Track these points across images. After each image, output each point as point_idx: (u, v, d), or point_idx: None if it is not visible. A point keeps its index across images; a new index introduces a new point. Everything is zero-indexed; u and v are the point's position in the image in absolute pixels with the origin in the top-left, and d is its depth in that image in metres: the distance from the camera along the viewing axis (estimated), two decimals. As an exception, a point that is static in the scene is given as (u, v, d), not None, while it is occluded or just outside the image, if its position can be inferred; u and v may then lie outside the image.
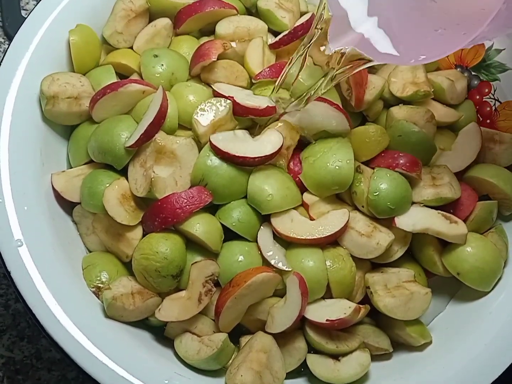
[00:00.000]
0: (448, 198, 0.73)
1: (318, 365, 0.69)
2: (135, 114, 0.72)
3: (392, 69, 0.82)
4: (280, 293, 0.68)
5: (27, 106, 0.72)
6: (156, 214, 0.67)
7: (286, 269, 0.67)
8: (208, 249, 0.68)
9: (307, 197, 0.72)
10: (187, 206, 0.67)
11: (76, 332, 0.62)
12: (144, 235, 0.69)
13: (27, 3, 0.97)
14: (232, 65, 0.78)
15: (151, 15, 0.83)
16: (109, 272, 0.69)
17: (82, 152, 0.73)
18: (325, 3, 0.64)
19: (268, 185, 0.69)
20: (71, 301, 0.64)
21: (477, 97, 0.86)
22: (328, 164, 0.71)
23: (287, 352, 0.68)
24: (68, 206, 0.73)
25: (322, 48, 0.68)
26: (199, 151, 0.70)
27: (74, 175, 0.73)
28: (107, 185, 0.69)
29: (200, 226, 0.67)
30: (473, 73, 0.87)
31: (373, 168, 0.73)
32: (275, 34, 0.84)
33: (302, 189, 0.73)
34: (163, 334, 0.69)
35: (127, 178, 0.70)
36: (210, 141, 0.69)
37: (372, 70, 0.83)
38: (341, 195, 0.74)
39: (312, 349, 0.70)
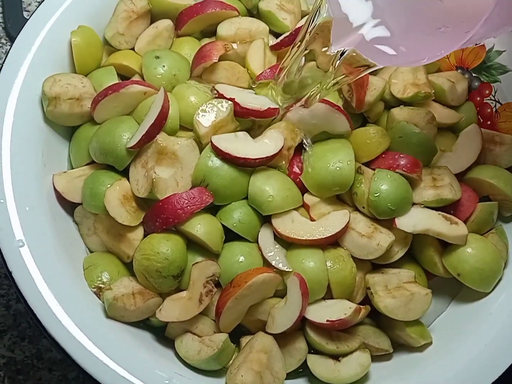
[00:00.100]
0: (449, 199, 0.73)
1: (319, 365, 0.69)
2: (137, 115, 0.73)
3: (393, 70, 0.82)
4: (281, 294, 0.68)
5: (29, 107, 0.72)
6: (157, 214, 0.67)
7: (287, 270, 0.68)
8: (209, 250, 0.68)
9: (308, 198, 0.72)
10: (188, 207, 0.67)
11: (77, 332, 0.62)
12: (145, 236, 0.69)
13: (29, 4, 0.97)
14: (234, 66, 0.78)
15: (153, 17, 0.83)
16: (110, 272, 0.69)
17: (84, 153, 0.74)
18: (320, 6, 0.65)
19: (269, 186, 0.70)
20: (72, 301, 0.64)
21: (478, 98, 0.87)
22: (329, 165, 0.71)
23: (288, 352, 0.68)
24: (69, 206, 0.73)
25: (324, 49, 0.68)
26: (200, 152, 0.70)
27: (76, 176, 0.73)
28: (109, 186, 0.69)
29: (201, 227, 0.67)
30: (473, 74, 0.87)
31: (373, 169, 0.74)
32: (276, 35, 0.84)
33: (303, 190, 0.73)
34: (163, 334, 0.69)
35: (128, 179, 0.70)
36: (211, 142, 0.69)
37: (373, 71, 0.83)
38: (342, 196, 0.74)
39: (313, 349, 0.70)
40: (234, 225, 0.69)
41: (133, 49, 0.81)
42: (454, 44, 0.55)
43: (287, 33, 0.80)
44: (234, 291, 0.65)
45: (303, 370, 0.70)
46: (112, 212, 0.67)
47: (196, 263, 0.67)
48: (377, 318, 0.73)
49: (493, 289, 0.74)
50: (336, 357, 0.69)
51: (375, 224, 0.72)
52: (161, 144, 0.69)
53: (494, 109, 0.85)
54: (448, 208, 0.74)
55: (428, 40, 0.58)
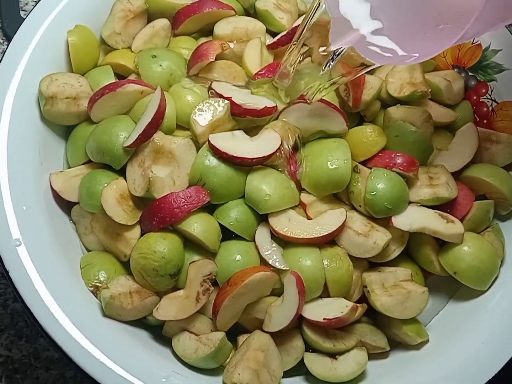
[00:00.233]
0: (445, 198, 0.74)
1: (315, 363, 0.69)
2: (134, 114, 0.73)
3: (390, 69, 0.83)
4: (278, 292, 0.69)
5: (26, 106, 0.72)
6: (154, 213, 0.68)
7: (284, 268, 0.68)
8: (206, 249, 0.69)
9: (305, 197, 0.73)
10: (185, 206, 0.67)
11: (74, 331, 0.62)
12: (142, 235, 0.69)
13: (26, 4, 0.97)
14: (230, 65, 0.78)
15: (150, 16, 0.83)
16: (107, 271, 0.69)
17: (81, 152, 0.74)
18: (318, 6, 0.65)
19: (266, 185, 0.70)
20: (69, 300, 0.64)
21: (474, 97, 0.87)
22: (325, 164, 0.71)
23: (285, 350, 0.69)
24: (66, 205, 0.73)
25: (322, 48, 0.69)
26: (197, 151, 0.70)
27: (73, 175, 0.73)
28: (105, 185, 0.69)
29: (198, 226, 0.68)
30: (470, 73, 0.87)
31: (370, 168, 0.74)
32: (273, 34, 0.84)
33: (300, 189, 0.73)
34: (161, 333, 0.70)
35: (125, 178, 0.70)
36: (208, 141, 0.69)
37: (370, 70, 0.83)
38: (339, 195, 0.74)
39: (310, 347, 0.70)
40: (231, 224, 0.69)
41: (130, 48, 0.81)
42: (450, 40, 0.55)
43: (284, 32, 0.81)
44: (231, 290, 0.65)
45: (300, 368, 0.70)
46: (109, 211, 0.67)
47: (193, 262, 0.67)
48: (374, 316, 0.74)
49: (489, 287, 0.74)
50: (333, 355, 0.69)
51: (371, 223, 0.72)
52: (158, 143, 0.69)
53: (490, 108, 0.85)
54: (444, 206, 0.74)
55: (426, 37, 0.58)
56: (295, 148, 0.74)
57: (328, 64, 0.67)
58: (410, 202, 0.73)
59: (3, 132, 0.69)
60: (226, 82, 0.76)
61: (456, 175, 0.77)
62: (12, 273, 0.63)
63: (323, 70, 0.68)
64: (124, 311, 0.66)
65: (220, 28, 0.81)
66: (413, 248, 0.76)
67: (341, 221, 0.70)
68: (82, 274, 0.69)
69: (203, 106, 0.71)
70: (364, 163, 0.75)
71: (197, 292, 0.66)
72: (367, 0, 0.62)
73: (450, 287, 0.77)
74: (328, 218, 0.71)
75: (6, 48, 0.73)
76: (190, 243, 0.69)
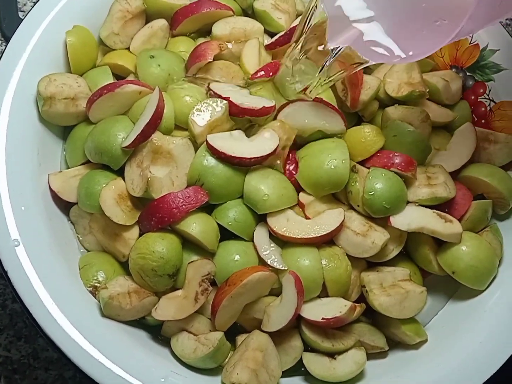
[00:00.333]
0: (443, 198, 0.74)
1: (314, 363, 0.69)
2: (132, 114, 0.73)
3: (388, 69, 0.83)
4: (276, 292, 0.69)
5: (24, 107, 0.72)
6: (153, 213, 0.68)
7: (282, 268, 0.68)
8: (205, 249, 0.69)
9: (303, 197, 0.73)
10: (184, 206, 0.67)
11: (73, 331, 0.62)
12: (140, 235, 0.69)
13: (25, 5, 0.97)
14: (228, 65, 0.78)
15: (148, 16, 0.83)
16: (105, 271, 0.69)
17: (79, 153, 0.74)
18: (315, 6, 0.65)
19: (264, 185, 0.70)
20: (68, 300, 0.65)
21: (472, 97, 0.87)
22: (323, 164, 0.71)
23: (283, 350, 0.69)
24: (65, 206, 0.73)
25: (320, 47, 0.69)
26: (196, 151, 0.70)
27: (71, 176, 0.73)
28: (104, 185, 0.69)
29: (197, 226, 0.68)
30: (468, 73, 0.87)
31: (368, 168, 0.74)
32: (271, 35, 0.84)
33: (298, 188, 0.73)
34: (159, 333, 0.70)
35: (123, 178, 0.70)
36: (206, 141, 0.69)
37: (368, 70, 0.83)
38: (337, 195, 0.74)
39: (308, 347, 0.71)
40: (230, 224, 0.69)
41: (128, 49, 0.81)
42: (447, 37, 0.55)
43: (282, 33, 0.81)
44: (229, 290, 0.65)
45: (299, 368, 0.70)
46: (108, 212, 0.67)
47: (192, 262, 0.67)
48: (372, 316, 0.74)
49: (487, 287, 0.74)
50: (331, 355, 0.70)
51: (370, 223, 0.72)
52: (156, 144, 0.69)
53: (488, 108, 0.86)
54: (442, 206, 0.75)
55: (422, 34, 0.58)
56: (293, 148, 0.74)
57: (325, 63, 0.67)
58: (408, 202, 0.73)
59: (2, 132, 0.69)
60: (224, 82, 0.76)
61: (454, 175, 0.78)
62: (10, 274, 0.63)
63: (321, 69, 0.68)
64: (122, 311, 0.66)
65: (218, 29, 0.81)
66: (411, 247, 0.76)
67: (340, 221, 0.70)
68: (81, 274, 0.69)
69: (201, 106, 0.71)
70: (362, 163, 0.75)
71: (196, 292, 0.66)
72: None
73: (449, 287, 0.77)
74: (327, 218, 0.71)
75: (4, 49, 0.73)
76: (189, 243, 0.69)
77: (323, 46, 0.68)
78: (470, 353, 0.69)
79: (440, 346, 0.72)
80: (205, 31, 0.84)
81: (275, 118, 0.74)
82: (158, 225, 0.68)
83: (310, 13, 0.68)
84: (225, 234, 0.70)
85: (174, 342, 0.68)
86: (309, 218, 0.72)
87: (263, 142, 0.71)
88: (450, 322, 0.75)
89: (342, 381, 0.68)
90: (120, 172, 0.71)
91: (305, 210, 0.72)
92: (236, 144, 0.70)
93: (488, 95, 0.86)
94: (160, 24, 0.82)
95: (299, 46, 0.71)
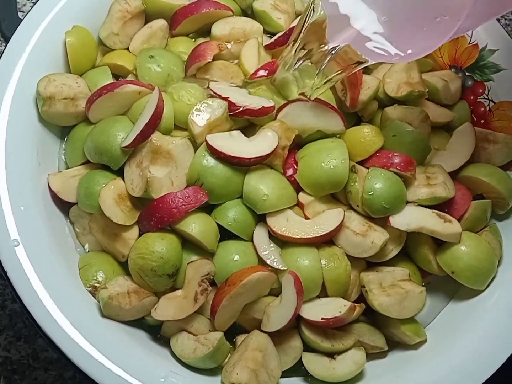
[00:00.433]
0: (443, 198, 0.74)
1: (314, 363, 0.69)
2: (131, 114, 0.73)
3: (387, 69, 0.83)
4: (276, 292, 0.69)
5: (24, 107, 0.72)
6: (152, 213, 0.68)
7: (282, 268, 0.68)
8: (204, 249, 0.69)
9: (303, 197, 0.73)
10: (183, 206, 0.67)
11: (73, 331, 0.62)
12: (140, 235, 0.69)
13: (24, 5, 0.97)
14: (228, 65, 0.78)
15: (147, 17, 0.83)
16: (105, 271, 0.69)
17: (79, 153, 0.74)
18: (314, 5, 0.65)
19: (264, 185, 0.70)
20: (67, 300, 0.65)
21: (471, 97, 0.87)
22: (323, 164, 0.71)
23: (283, 350, 0.69)
24: (64, 206, 0.73)
25: (320, 46, 0.69)
26: (195, 151, 0.70)
27: (71, 176, 0.73)
28: (104, 185, 0.69)
29: (196, 226, 0.68)
30: (467, 73, 0.88)
31: (367, 168, 0.74)
32: (271, 35, 0.84)
33: (298, 188, 0.73)
34: (159, 333, 0.70)
35: (123, 178, 0.70)
36: (206, 141, 0.69)
37: (367, 70, 0.83)
38: (336, 195, 0.74)
39: (308, 347, 0.71)
40: (229, 224, 0.69)
41: (127, 49, 0.81)
42: (446, 34, 0.55)
43: (281, 33, 0.81)
44: (229, 290, 0.65)
45: (298, 368, 0.70)
46: (107, 212, 0.67)
47: (191, 262, 0.67)
48: (372, 316, 0.74)
49: (487, 287, 0.74)
50: (331, 355, 0.70)
51: (369, 223, 0.72)
52: (156, 144, 0.69)
53: (487, 108, 0.86)
54: (442, 206, 0.75)
55: (422, 32, 0.58)
56: (293, 148, 0.74)
57: (324, 62, 0.67)
58: (407, 202, 0.73)
59: (1, 132, 0.69)
60: (223, 82, 0.76)
61: (454, 175, 0.78)
62: (10, 274, 0.63)
63: (319, 69, 0.68)
64: (122, 311, 0.66)
65: (218, 29, 0.81)
66: (410, 247, 0.76)
67: (339, 221, 0.70)
68: (80, 274, 0.69)
69: (201, 106, 0.71)
70: (361, 163, 0.75)
71: (195, 292, 0.66)
72: None
73: (450, 288, 0.77)
74: (326, 218, 0.71)
75: (4, 49, 0.73)
76: (188, 243, 0.69)
77: (322, 45, 0.68)
78: (470, 353, 0.69)
79: (439, 346, 0.72)
80: (205, 31, 0.84)
81: (274, 118, 0.74)
82: (157, 225, 0.68)
83: (309, 13, 0.68)
84: (225, 234, 0.70)
85: (174, 342, 0.68)
86: (308, 218, 0.72)
87: (263, 142, 0.71)
88: (449, 322, 0.75)
89: (341, 381, 0.68)
90: (120, 172, 0.71)
91: (304, 210, 0.72)
92: (235, 144, 0.70)
93: (487, 95, 0.86)
94: (160, 24, 0.82)
95: (297, 46, 0.71)
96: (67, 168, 0.76)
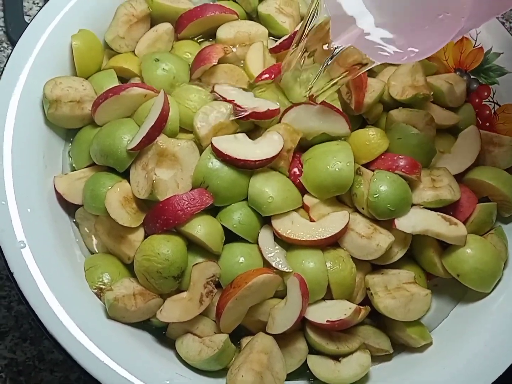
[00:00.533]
0: (448, 200, 0.74)
1: (319, 366, 0.69)
2: (137, 117, 0.73)
3: (392, 72, 0.83)
4: (281, 294, 0.69)
5: (30, 110, 0.73)
6: (158, 216, 0.68)
7: (287, 270, 0.68)
8: (209, 251, 0.69)
9: (308, 199, 0.73)
10: (188, 208, 0.68)
11: (79, 333, 0.62)
12: (145, 237, 0.69)
13: (30, 9, 0.98)
14: (233, 69, 0.78)
15: (153, 20, 0.84)
16: (111, 273, 0.70)
17: (85, 155, 0.74)
18: (317, 6, 0.65)
19: (269, 188, 0.70)
20: (73, 302, 0.65)
21: (477, 100, 0.87)
22: (328, 167, 0.71)
23: (288, 353, 0.69)
24: (70, 208, 0.74)
25: (324, 47, 0.69)
26: (200, 154, 0.71)
27: (77, 178, 0.73)
28: (109, 187, 0.69)
29: (201, 228, 0.68)
30: (472, 76, 0.88)
31: (373, 171, 0.74)
32: (276, 38, 0.84)
33: (303, 191, 0.73)
34: (164, 335, 0.70)
35: (129, 181, 0.71)
36: (211, 144, 0.69)
37: (372, 73, 0.84)
38: (341, 197, 0.74)
39: (313, 350, 0.70)
40: (234, 226, 0.69)
41: (133, 52, 0.82)
42: (450, 32, 0.55)
43: (286, 36, 0.81)
44: (234, 292, 0.65)
45: (304, 370, 0.70)
46: (113, 214, 0.67)
47: (197, 264, 0.67)
48: (377, 319, 0.74)
49: (492, 290, 0.74)
50: (336, 357, 0.69)
51: (374, 225, 0.72)
52: (162, 146, 0.69)
53: (492, 111, 0.86)
54: (447, 209, 0.74)
55: (425, 31, 0.58)
56: (298, 151, 0.75)
57: (326, 63, 0.67)
58: (413, 205, 0.73)
59: (8, 135, 0.70)
60: (228, 85, 0.77)
61: (459, 178, 0.78)
62: (16, 275, 0.64)
63: (321, 68, 0.68)
64: (128, 313, 0.67)
65: (223, 32, 0.82)
66: (416, 250, 0.76)
67: (344, 223, 0.70)
68: (86, 276, 0.69)
69: (206, 109, 0.72)
70: (366, 165, 0.75)
71: (201, 294, 0.66)
72: None
73: (458, 291, 0.77)
74: (331, 221, 0.71)
75: (11, 53, 0.74)
76: (194, 245, 0.70)
77: (327, 45, 0.68)
78: (476, 356, 0.69)
79: (445, 349, 0.72)
80: (210, 35, 0.85)
81: (279, 121, 0.74)
82: (163, 227, 0.68)
83: (312, 15, 0.68)
84: (230, 236, 0.70)
85: (179, 344, 0.68)
86: (313, 221, 0.72)
87: (268, 145, 0.71)
88: (455, 325, 0.75)
89: (347, 383, 0.68)
90: (126, 175, 0.71)
91: (309, 212, 0.72)
92: (240, 146, 0.71)
93: (492, 98, 0.86)
94: (165, 27, 0.82)
95: (301, 48, 0.71)
96: (73, 170, 0.76)
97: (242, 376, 0.64)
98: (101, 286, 0.69)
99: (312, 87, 0.72)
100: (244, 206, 0.71)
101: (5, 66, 0.73)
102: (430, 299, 0.72)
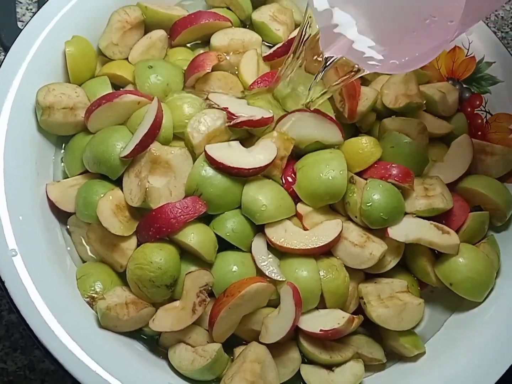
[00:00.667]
0: (441, 209, 0.74)
1: (312, 375, 0.69)
2: (130, 124, 0.73)
3: (385, 81, 0.83)
4: (274, 303, 0.68)
5: (23, 116, 0.72)
6: (151, 224, 0.67)
7: (280, 279, 0.68)
8: (202, 259, 0.68)
9: (301, 208, 0.73)
10: (182, 216, 0.67)
11: (70, 342, 0.62)
12: (138, 245, 0.69)
13: (24, 15, 0.98)
14: (227, 76, 0.79)
15: (147, 27, 0.84)
16: (103, 282, 0.69)
17: (77, 162, 0.74)
18: (309, 20, 0.66)
19: (262, 196, 0.70)
20: (65, 311, 0.64)
21: (469, 109, 0.88)
22: (321, 175, 0.71)
23: (281, 362, 0.68)
24: (62, 216, 0.73)
25: (317, 57, 0.69)
26: (194, 161, 0.70)
27: (69, 185, 0.73)
28: (102, 195, 0.69)
29: (195, 236, 0.68)
30: (464, 85, 0.88)
31: (366, 179, 0.74)
32: (270, 46, 0.85)
33: (296, 199, 0.73)
34: (157, 344, 0.69)
35: (121, 188, 0.70)
36: (205, 152, 0.69)
37: (365, 82, 0.84)
38: (335, 206, 0.74)
39: (306, 359, 0.70)
40: (228, 234, 0.69)
41: (127, 59, 0.82)
42: (438, 39, 0.55)
43: (280, 44, 0.81)
44: (227, 301, 0.65)
45: (297, 380, 0.70)
46: (105, 222, 0.67)
47: (190, 272, 0.67)
48: (370, 328, 0.74)
49: (485, 299, 0.74)
50: (329, 367, 0.69)
51: (367, 234, 0.72)
52: (155, 154, 0.69)
53: (484, 120, 0.86)
54: (440, 217, 0.75)
55: (414, 38, 0.58)
56: (291, 159, 0.75)
57: (320, 72, 0.68)
58: (405, 213, 0.74)
59: (0, 142, 0.69)
60: (222, 93, 0.77)
61: (451, 187, 0.78)
62: (7, 284, 0.63)
63: (315, 78, 0.69)
64: (120, 322, 0.66)
65: (217, 39, 0.82)
66: (409, 259, 0.76)
67: (337, 232, 0.70)
68: (78, 285, 0.69)
69: (200, 116, 0.72)
70: (360, 174, 0.75)
71: (194, 303, 0.66)
72: (352, 5, 0.62)
73: (453, 300, 0.76)
74: (324, 229, 0.71)
75: (4, 59, 0.73)
76: (187, 254, 0.69)
77: (319, 56, 0.68)
78: (468, 366, 0.69)
79: (437, 358, 0.72)
80: (204, 42, 0.85)
81: (273, 129, 0.74)
82: (156, 236, 0.67)
83: (306, 25, 0.68)
84: (223, 245, 0.70)
85: (172, 353, 0.67)
86: (307, 229, 0.72)
87: (261, 153, 0.71)
88: (447, 334, 0.75)
89: (340, 393, 0.68)
90: (118, 182, 0.71)
91: (303, 221, 0.72)
92: (234, 154, 0.70)
93: (484, 107, 0.86)
94: (159, 34, 0.82)
95: (297, 58, 0.71)
96: (64, 177, 0.76)
97: (235, 385, 0.64)
98: (93, 295, 0.68)
99: (307, 96, 0.72)
100: (237, 214, 0.70)
101: (-3, 72, 0.72)
102: (423, 308, 0.72)
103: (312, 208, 0.73)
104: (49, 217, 0.72)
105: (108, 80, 0.78)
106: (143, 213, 0.70)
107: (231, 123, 0.72)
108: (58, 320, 0.62)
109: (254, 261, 0.69)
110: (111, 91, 0.76)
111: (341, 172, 0.72)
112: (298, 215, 0.73)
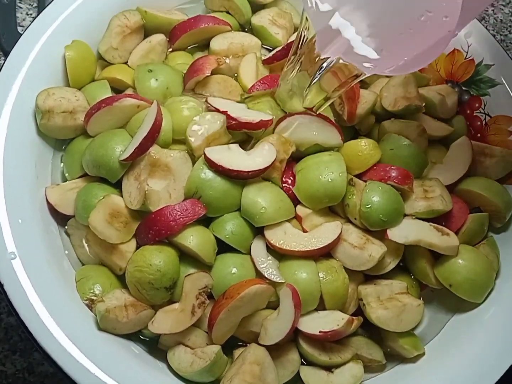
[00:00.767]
0: (440, 211, 0.74)
1: (312, 377, 0.69)
2: (130, 128, 0.73)
3: (384, 83, 0.83)
4: (273, 305, 0.68)
5: (23, 120, 0.72)
6: (150, 226, 0.68)
7: (279, 281, 0.68)
8: (202, 262, 0.69)
9: (300, 210, 0.73)
10: (181, 219, 0.67)
11: (69, 345, 0.62)
12: (137, 248, 0.69)
13: (24, 20, 0.98)
14: (226, 80, 0.79)
15: (146, 31, 0.84)
16: (102, 284, 0.69)
17: (77, 166, 0.74)
18: (307, 24, 0.66)
19: (262, 198, 0.70)
20: (64, 314, 0.64)
21: (468, 111, 0.88)
22: (321, 177, 0.72)
23: (280, 364, 0.68)
24: (62, 219, 0.73)
25: (314, 59, 0.69)
26: (193, 164, 0.71)
27: (69, 189, 0.73)
28: (101, 198, 0.69)
29: (194, 239, 0.68)
30: (463, 88, 0.88)
31: (365, 181, 0.74)
32: (269, 50, 0.85)
33: (295, 201, 0.73)
34: (156, 346, 0.69)
35: (121, 191, 0.70)
36: (204, 155, 0.70)
37: (364, 85, 0.84)
38: (334, 208, 0.75)
39: (305, 361, 0.70)
40: (227, 236, 0.69)
41: (126, 63, 0.82)
42: (435, 36, 0.55)
43: (279, 48, 0.82)
44: (226, 303, 0.65)
45: (295, 381, 0.70)
46: (101, 235, 0.67)
47: (189, 274, 0.67)
48: (370, 329, 0.74)
49: (484, 300, 0.74)
50: (329, 368, 0.69)
51: (367, 235, 0.72)
52: (154, 157, 0.69)
53: (484, 122, 0.86)
54: (439, 219, 0.75)
55: (409, 36, 0.58)
56: (291, 161, 0.75)
57: (316, 75, 0.68)
58: (405, 215, 0.74)
59: (0, 146, 0.69)
60: (221, 97, 0.77)
61: (451, 188, 0.78)
62: (6, 287, 0.63)
63: (312, 80, 0.69)
64: (119, 325, 0.66)
65: (216, 43, 0.82)
66: (408, 260, 0.76)
67: (337, 233, 0.70)
68: (77, 287, 0.69)
69: (199, 120, 0.72)
70: (359, 176, 0.76)
71: (193, 305, 0.66)
72: (345, 4, 0.62)
73: (453, 302, 0.76)
74: (324, 231, 0.71)
75: (4, 63, 0.73)
76: (186, 256, 0.69)
77: (317, 58, 0.68)
78: (468, 367, 0.69)
79: (437, 359, 0.72)
80: (203, 45, 0.85)
81: (272, 132, 0.74)
82: (155, 238, 0.68)
83: (303, 29, 0.68)
84: (222, 247, 0.70)
85: (171, 355, 0.67)
86: (306, 231, 0.72)
87: (261, 156, 0.71)
88: (447, 335, 0.74)
89: (339, 395, 0.68)
90: (118, 185, 0.71)
91: (302, 223, 0.72)
92: (233, 157, 0.71)
93: (483, 110, 0.87)
94: (159, 39, 0.82)
95: (296, 61, 0.71)
96: (65, 181, 0.76)
97: (235, 387, 0.64)
98: (93, 297, 0.68)
99: (307, 99, 0.72)
100: (236, 216, 0.71)
101: (-3, 76, 0.73)
102: (423, 309, 0.72)
103: (312, 210, 0.73)
104: (48, 220, 0.72)
105: (108, 84, 0.78)
106: (142, 216, 0.70)
107: (231, 124, 0.72)
108: (57, 323, 0.62)
109: (254, 263, 0.69)
110: (110, 95, 0.76)
111: (340, 174, 0.72)
112: (297, 217, 0.73)
